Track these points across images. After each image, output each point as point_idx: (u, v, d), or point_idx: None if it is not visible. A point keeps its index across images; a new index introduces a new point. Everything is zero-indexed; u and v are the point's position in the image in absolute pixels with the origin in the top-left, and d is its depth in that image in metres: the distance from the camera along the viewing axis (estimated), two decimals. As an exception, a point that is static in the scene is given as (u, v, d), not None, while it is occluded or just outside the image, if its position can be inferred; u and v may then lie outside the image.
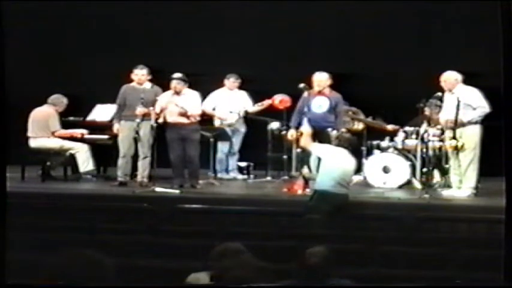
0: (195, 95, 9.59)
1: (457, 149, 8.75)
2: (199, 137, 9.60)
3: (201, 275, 4.28)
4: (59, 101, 10.33)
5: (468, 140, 8.73)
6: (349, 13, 11.02)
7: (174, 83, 9.43)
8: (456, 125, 8.70)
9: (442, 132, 9.29)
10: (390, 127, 10.24)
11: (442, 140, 9.32)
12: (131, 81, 9.80)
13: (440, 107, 9.17)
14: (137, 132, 9.37)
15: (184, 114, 9.33)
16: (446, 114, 8.91)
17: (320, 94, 9.65)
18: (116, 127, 9.74)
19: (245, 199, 8.97)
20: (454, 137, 8.73)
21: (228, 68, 11.05)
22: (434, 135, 9.42)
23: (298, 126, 9.61)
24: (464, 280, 6.36)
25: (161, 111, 9.28)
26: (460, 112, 8.70)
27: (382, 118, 10.41)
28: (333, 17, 11.13)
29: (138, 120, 9.34)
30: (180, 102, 9.36)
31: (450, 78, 8.90)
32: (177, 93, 9.42)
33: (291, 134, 9.66)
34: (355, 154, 10.31)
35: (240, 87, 10.99)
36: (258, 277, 3.89)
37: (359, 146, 9.99)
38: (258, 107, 10.77)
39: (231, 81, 10.92)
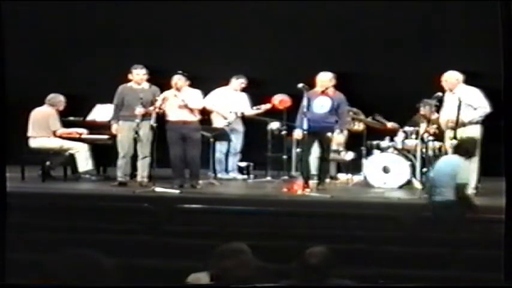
0: (195, 91, 9.60)
1: (457, 149, 8.75)
2: (200, 136, 9.60)
3: (201, 275, 4.29)
4: (57, 100, 10.34)
5: (468, 140, 8.72)
6: (349, 13, 11.01)
7: (175, 79, 9.43)
8: (457, 125, 8.69)
9: (439, 131, 9.27)
10: (390, 125, 10.24)
11: (438, 139, 9.32)
12: (128, 81, 9.80)
13: (437, 106, 9.17)
14: (137, 133, 9.36)
15: (185, 107, 9.31)
16: (446, 114, 8.90)
17: (323, 94, 9.64)
18: (114, 127, 9.73)
19: (245, 199, 8.97)
20: (454, 137, 8.73)
21: (228, 68, 11.04)
22: (432, 134, 9.40)
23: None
24: (464, 280, 6.37)
25: (163, 101, 9.25)
26: (461, 112, 8.70)
27: (382, 115, 10.39)
28: (333, 17, 11.12)
29: (137, 120, 9.33)
30: (181, 96, 9.36)
31: (451, 78, 8.90)
32: (178, 89, 9.43)
33: (298, 133, 9.57)
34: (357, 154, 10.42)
35: (243, 89, 10.98)
36: (258, 277, 3.88)
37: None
38: (255, 110, 10.77)
39: (239, 82, 10.89)
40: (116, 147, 9.73)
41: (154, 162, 9.31)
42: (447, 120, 8.88)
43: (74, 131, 10.26)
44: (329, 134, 9.50)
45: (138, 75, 9.72)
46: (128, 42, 11.45)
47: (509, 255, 3.63)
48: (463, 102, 8.70)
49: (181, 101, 9.32)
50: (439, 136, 9.38)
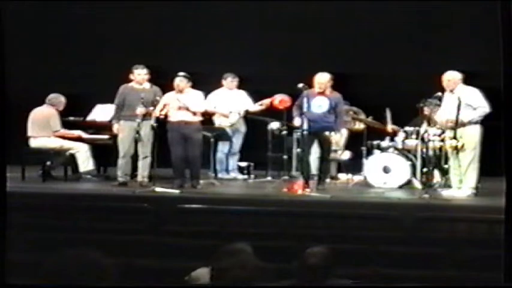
0: (198, 93, 9.59)
1: (457, 149, 8.75)
2: (202, 137, 9.59)
3: (203, 270, 4.31)
4: (58, 100, 10.34)
5: (468, 140, 8.72)
6: (349, 13, 11.02)
7: (177, 81, 9.42)
8: (457, 125, 8.69)
9: (443, 132, 9.26)
10: (390, 128, 10.25)
11: (442, 140, 9.31)
12: (129, 81, 9.80)
13: (439, 106, 9.17)
14: (138, 132, 9.36)
15: (186, 109, 9.30)
16: (446, 114, 8.90)
17: (320, 94, 9.64)
18: (115, 127, 9.73)
19: (245, 199, 8.96)
20: (454, 137, 8.72)
21: (228, 68, 11.05)
22: (434, 135, 9.39)
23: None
24: (464, 280, 6.37)
25: (164, 106, 9.26)
26: (461, 112, 8.70)
27: (390, 111, 10.36)
28: (333, 17, 11.12)
29: (138, 120, 9.33)
30: (182, 99, 9.36)
31: (455, 77, 8.87)
32: (180, 91, 9.42)
33: (297, 122, 9.53)
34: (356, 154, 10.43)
35: (240, 87, 11.00)
36: (258, 277, 3.89)
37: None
38: (258, 106, 10.78)
39: (229, 81, 10.93)
40: (117, 147, 9.73)
41: (155, 162, 9.30)
42: (447, 120, 8.87)
43: (72, 133, 10.24)
44: (327, 132, 9.50)
45: (140, 75, 9.72)
46: (128, 42, 11.46)
47: (509, 255, 3.63)
48: (462, 102, 8.69)
49: (182, 104, 9.31)
50: (440, 136, 9.38)
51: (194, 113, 9.39)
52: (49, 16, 11.57)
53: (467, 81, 8.99)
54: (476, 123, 8.76)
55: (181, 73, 9.49)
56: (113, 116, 9.85)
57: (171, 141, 9.41)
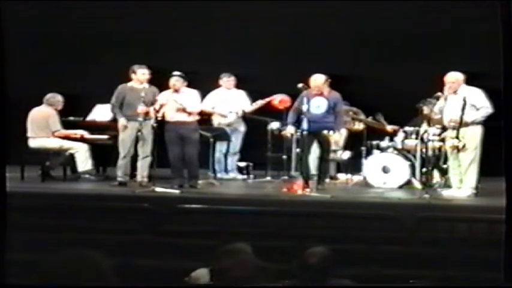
0: (194, 92, 9.57)
1: (458, 149, 8.74)
2: (199, 136, 9.59)
3: (203, 271, 4.31)
4: (55, 99, 10.32)
5: (470, 140, 8.72)
6: (349, 13, 11.01)
7: (172, 81, 9.41)
8: (461, 125, 8.67)
9: (443, 131, 9.24)
10: (390, 128, 10.24)
11: (442, 140, 9.30)
12: (128, 81, 9.78)
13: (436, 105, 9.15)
14: (140, 131, 9.35)
15: (183, 110, 9.30)
16: (449, 114, 8.87)
17: (318, 95, 9.62)
18: (122, 121, 9.62)
19: (245, 199, 8.96)
20: (457, 137, 8.70)
21: (228, 67, 11.05)
22: (434, 135, 9.38)
23: (295, 124, 9.58)
24: (464, 280, 6.37)
25: (160, 107, 9.25)
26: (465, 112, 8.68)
27: (382, 115, 10.39)
28: (333, 17, 11.12)
29: (140, 119, 9.31)
30: (179, 100, 9.35)
31: (458, 79, 8.84)
32: (176, 91, 9.41)
33: (290, 131, 9.63)
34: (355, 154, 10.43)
35: (239, 87, 11.00)
36: (258, 277, 3.89)
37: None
38: (254, 106, 10.79)
39: (225, 80, 10.94)
40: (116, 147, 9.72)
41: (155, 162, 9.30)
42: (450, 120, 8.86)
43: (74, 132, 10.24)
44: (326, 131, 9.49)
45: (144, 74, 9.71)
46: (127, 43, 11.45)
47: (509, 255, 3.63)
48: (467, 103, 8.66)
49: (179, 105, 9.30)
50: (440, 136, 9.38)
51: (190, 113, 9.38)
52: (49, 16, 11.56)
53: (467, 81, 8.99)
54: (478, 123, 8.75)
55: (177, 72, 9.47)
56: (116, 113, 9.74)
57: (168, 141, 9.40)
